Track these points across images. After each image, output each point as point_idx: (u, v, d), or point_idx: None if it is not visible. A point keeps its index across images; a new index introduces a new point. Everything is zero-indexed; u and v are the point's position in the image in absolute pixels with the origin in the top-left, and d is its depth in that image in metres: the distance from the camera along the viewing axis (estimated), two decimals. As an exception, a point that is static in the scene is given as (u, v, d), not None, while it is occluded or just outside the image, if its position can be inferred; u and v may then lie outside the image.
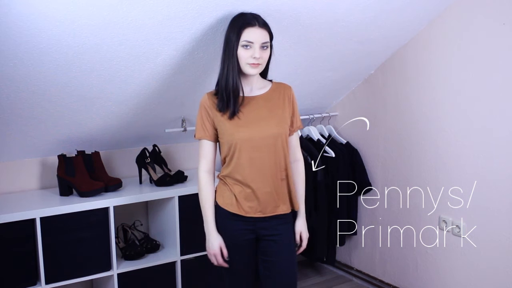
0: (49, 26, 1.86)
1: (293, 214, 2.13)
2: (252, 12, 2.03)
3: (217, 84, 2.04)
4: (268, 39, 1.97)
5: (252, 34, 1.93)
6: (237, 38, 1.93)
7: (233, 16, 2.01)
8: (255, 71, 1.98)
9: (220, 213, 2.06)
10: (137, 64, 2.23)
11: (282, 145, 2.02)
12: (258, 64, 1.96)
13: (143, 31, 2.05)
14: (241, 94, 2.00)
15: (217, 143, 2.09)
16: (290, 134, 2.10)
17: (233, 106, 1.97)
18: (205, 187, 2.06)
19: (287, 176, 2.06)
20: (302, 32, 2.43)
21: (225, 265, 2.07)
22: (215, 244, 2.04)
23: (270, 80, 2.13)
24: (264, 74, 2.10)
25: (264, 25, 1.97)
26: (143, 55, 2.18)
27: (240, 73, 1.99)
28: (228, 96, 1.97)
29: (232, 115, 1.98)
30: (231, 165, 2.01)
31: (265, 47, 1.96)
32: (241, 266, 2.10)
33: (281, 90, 2.08)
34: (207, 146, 2.06)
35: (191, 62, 2.33)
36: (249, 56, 1.94)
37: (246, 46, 1.93)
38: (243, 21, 1.95)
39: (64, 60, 2.05)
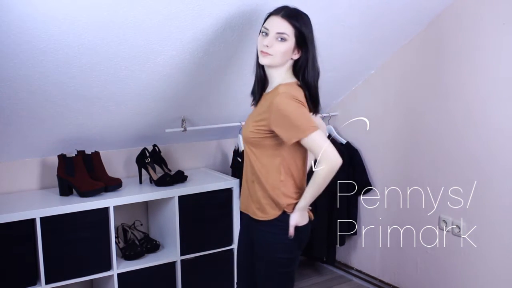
0: (49, 26, 1.85)
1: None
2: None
3: None
4: (286, 32, 1.83)
5: (271, 22, 1.85)
6: (262, 26, 1.89)
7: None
8: (264, 61, 1.86)
9: None
10: (137, 64, 2.22)
11: (249, 148, 1.95)
12: (267, 53, 1.84)
13: (143, 31, 2.04)
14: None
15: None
16: (287, 143, 1.85)
17: (255, 101, 2.01)
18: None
19: (258, 181, 1.93)
20: (302, 32, 2.43)
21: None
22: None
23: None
24: (296, 75, 1.94)
25: (288, 17, 1.83)
26: (143, 55, 2.18)
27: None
28: (254, 88, 2.00)
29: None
30: None
31: (281, 39, 1.83)
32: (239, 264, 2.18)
33: (270, 95, 1.90)
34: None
35: (191, 62, 2.33)
36: (262, 43, 1.86)
37: (264, 33, 1.86)
38: (273, 10, 1.89)
39: (64, 60, 2.05)
